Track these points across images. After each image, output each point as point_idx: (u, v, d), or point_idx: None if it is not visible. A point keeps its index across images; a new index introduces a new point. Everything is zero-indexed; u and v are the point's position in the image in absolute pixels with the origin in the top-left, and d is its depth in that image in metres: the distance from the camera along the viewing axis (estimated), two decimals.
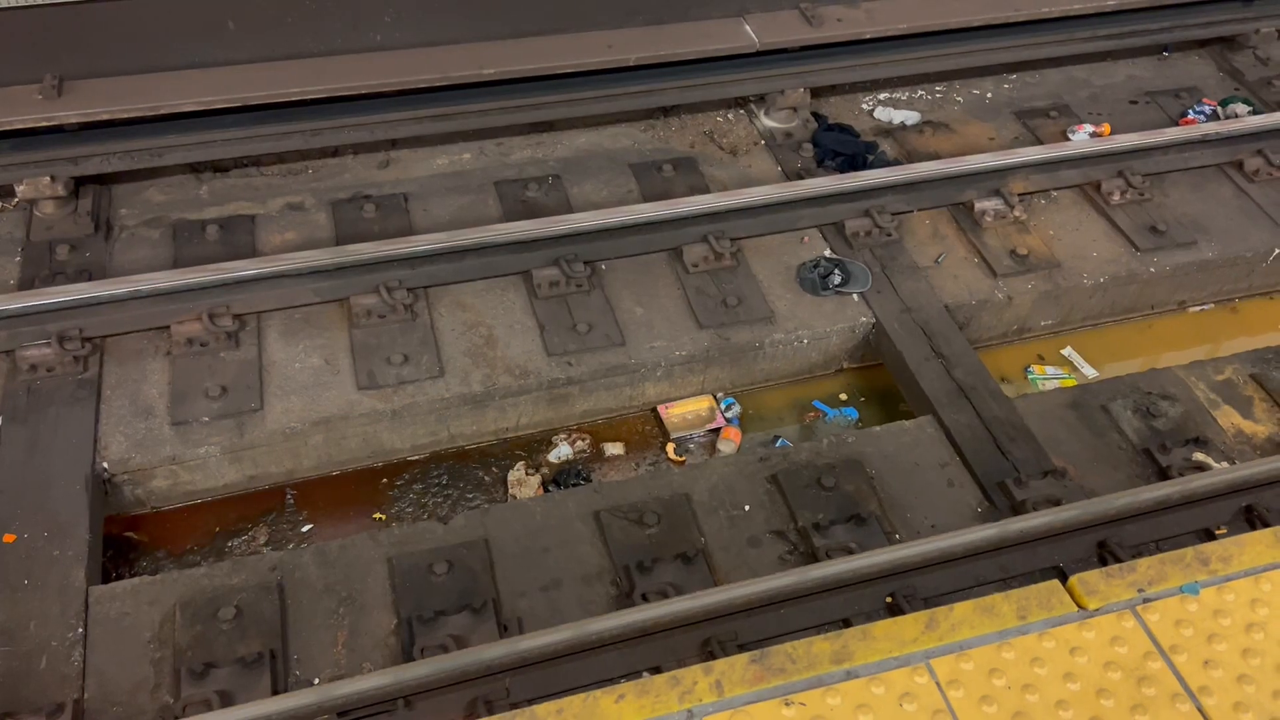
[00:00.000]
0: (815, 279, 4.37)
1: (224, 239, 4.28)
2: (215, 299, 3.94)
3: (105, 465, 3.52)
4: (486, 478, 3.98)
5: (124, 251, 4.22)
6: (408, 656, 3.06)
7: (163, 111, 4.23)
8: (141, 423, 3.63)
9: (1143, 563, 2.70)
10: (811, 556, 3.43)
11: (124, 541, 3.62)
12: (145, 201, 4.46)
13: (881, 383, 4.39)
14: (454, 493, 3.92)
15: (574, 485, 3.87)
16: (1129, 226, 4.73)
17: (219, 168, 4.62)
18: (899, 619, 2.60)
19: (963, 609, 2.61)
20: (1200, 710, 2.42)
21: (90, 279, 4.01)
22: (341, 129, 4.53)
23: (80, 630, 3.08)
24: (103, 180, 4.43)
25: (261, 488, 3.83)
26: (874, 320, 4.30)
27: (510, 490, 3.91)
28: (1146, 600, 2.64)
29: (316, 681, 3.02)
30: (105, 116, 4.19)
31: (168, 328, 3.86)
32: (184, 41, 4.28)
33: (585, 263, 4.28)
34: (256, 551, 3.62)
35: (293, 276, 4.04)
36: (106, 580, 3.38)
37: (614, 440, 4.14)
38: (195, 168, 4.58)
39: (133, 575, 3.48)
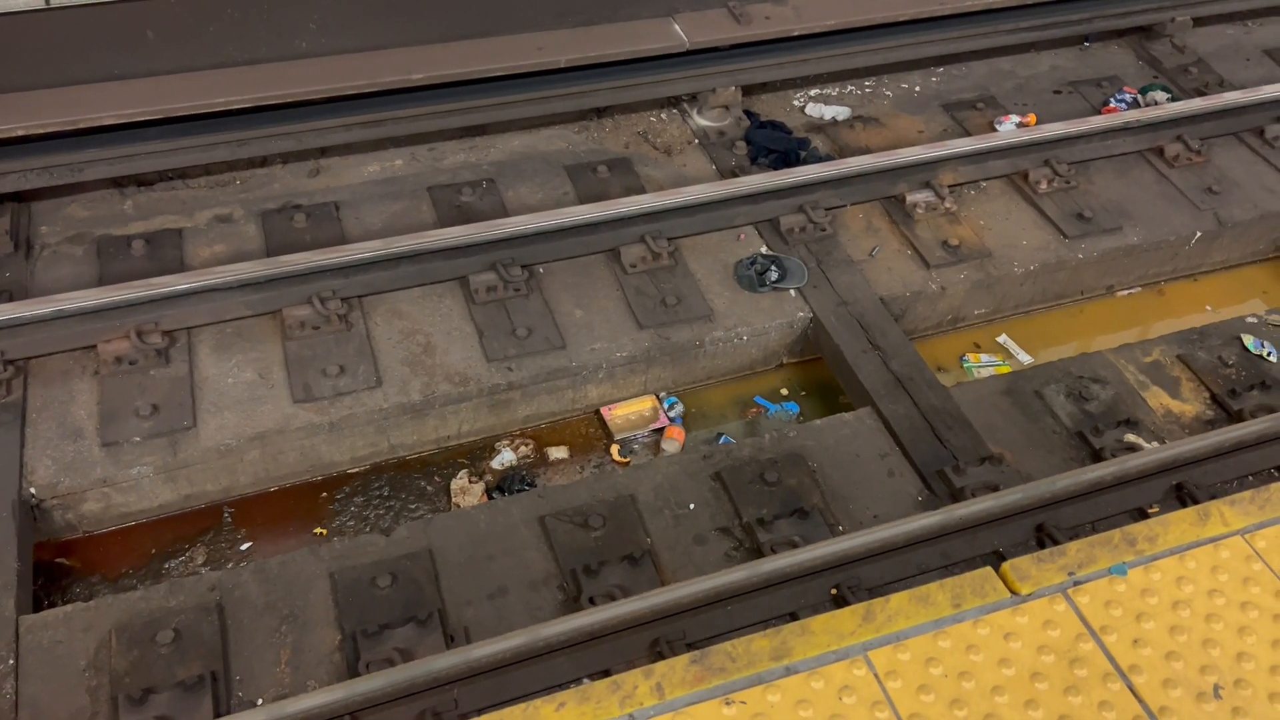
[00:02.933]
0: (753, 276, 4.38)
1: (151, 254, 4.22)
2: (143, 315, 3.88)
3: (33, 491, 3.45)
4: (429, 487, 3.95)
5: (46, 270, 4.13)
6: (353, 672, 3.02)
7: (82, 125, 4.15)
8: (70, 445, 3.57)
9: (1072, 546, 2.73)
10: (757, 552, 3.43)
11: (56, 568, 3.55)
12: (67, 218, 4.37)
13: (821, 376, 4.42)
14: (396, 504, 3.89)
15: (518, 491, 3.83)
16: (1057, 214, 4.79)
17: (143, 181, 4.54)
18: (836, 613, 2.61)
19: (899, 599, 2.62)
20: (1131, 689, 2.44)
21: (11, 299, 3.92)
22: (269, 138, 4.48)
23: (11, 661, 3.01)
24: (21, 197, 4.33)
25: (198, 507, 3.77)
26: (811, 315, 4.33)
27: (454, 499, 3.88)
28: (1077, 583, 2.66)
29: (260, 702, 2.99)
30: (21, 132, 4.11)
31: (94, 347, 3.80)
32: (102, 52, 4.19)
33: (523, 266, 4.27)
34: (194, 572, 3.55)
35: (223, 290, 3.99)
36: (38, 608, 3.30)
37: (558, 444, 4.13)
38: (118, 182, 4.49)
39: (66, 602, 3.41)
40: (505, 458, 4.05)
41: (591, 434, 4.19)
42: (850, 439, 3.85)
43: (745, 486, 3.63)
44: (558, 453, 4.10)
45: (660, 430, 4.20)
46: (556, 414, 4.20)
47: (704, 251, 4.52)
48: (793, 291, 4.39)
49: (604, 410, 4.23)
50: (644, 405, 4.26)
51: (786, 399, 4.40)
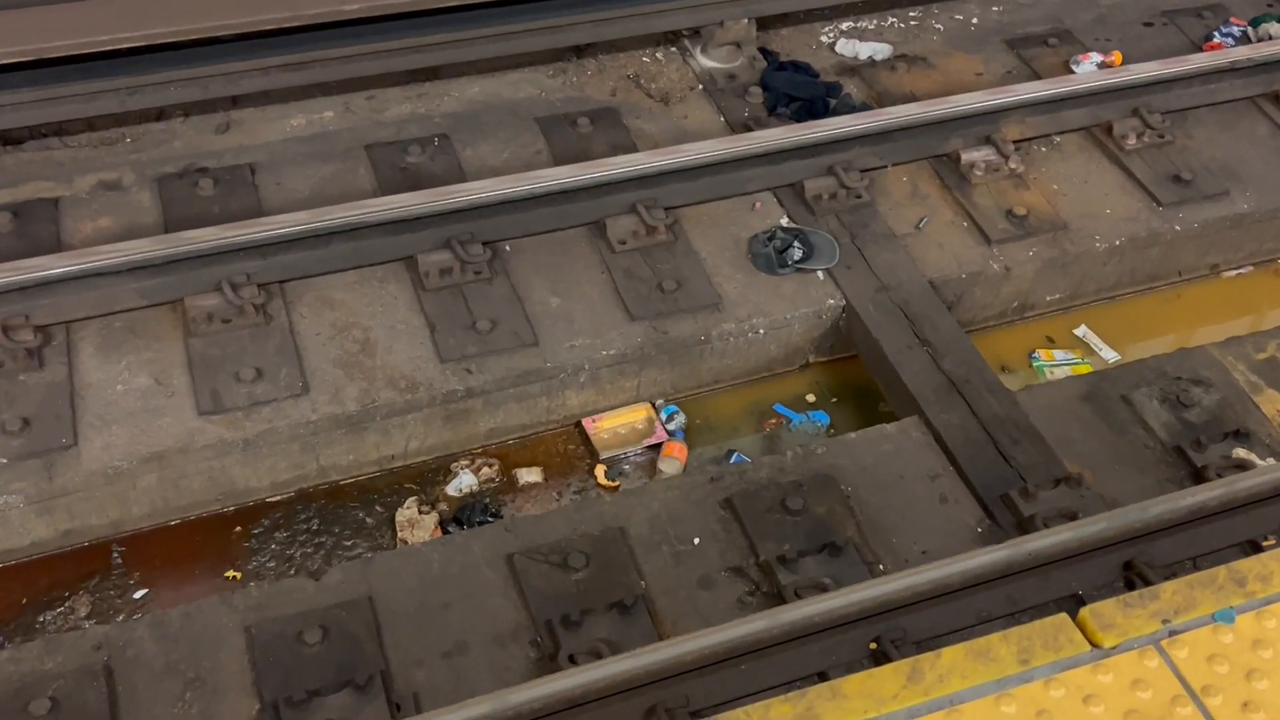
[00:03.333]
0: (771, 254, 4.41)
1: (19, 230, 4.21)
2: (10, 307, 3.87)
3: None
4: (369, 519, 3.97)
5: None
6: None
7: None
8: None
9: (1168, 587, 2.72)
10: (777, 597, 3.44)
11: None
12: None
13: (856, 379, 4.45)
14: (328, 540, 3.91)
15: (480, 523, 3.85)
16: (1148, 177, 4.82)
17: (9, 139, 4.52)
18: (876, 671, 2.59)
19: (953, 654, 2.60)
20: None
21: None
22: (167, 85, 4.49)
23: None
24: None
25: (80, 545, 3.76)
26: (844, 302, 4.35)
27: (400, 534, 3.90)
28: (1173, 633, 2.65)
29: None
30: None
31: None
32: None
33: (484, 244, 4.28)
34: (76, 626, 3.55)
35: (110, 275, 3.98)
36: None
37: (529, 465, 4.16)
38: None
39: None
40: (464, 482, 4.08)
41: (571, 452, 4.22)
42: (893, 456, 3.87)
43: (763, 516, 3.64)
44: (529, 475, 4.13)
45: (657, 447, 4.22)
46: (527, 427, 4.22)
47: (710, 224, 4.55)
48: (820, 273, 4.42)
49: (586, 423, 4.25)
50: (636, 416, 4.29)
51: (814, 407, 4.43)
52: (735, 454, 4.21)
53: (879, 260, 4.46)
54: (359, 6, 4.53)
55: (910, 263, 4.47)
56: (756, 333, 4.31)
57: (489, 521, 3.88)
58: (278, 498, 3.98)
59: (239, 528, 3.89)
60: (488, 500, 4.01)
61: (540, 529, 3.58)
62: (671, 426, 4.29)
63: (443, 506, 4.00)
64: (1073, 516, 3.60)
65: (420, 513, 3.94)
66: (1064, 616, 2.74)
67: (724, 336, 4.27)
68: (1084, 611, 2.75)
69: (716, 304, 4.30)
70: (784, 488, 3.72)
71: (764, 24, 5.26)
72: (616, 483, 4.12)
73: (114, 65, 4.36)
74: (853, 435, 3.98)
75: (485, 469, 4.13)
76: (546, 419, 4.23)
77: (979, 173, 4.76)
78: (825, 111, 4.92)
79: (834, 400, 4.45)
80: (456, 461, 4.14)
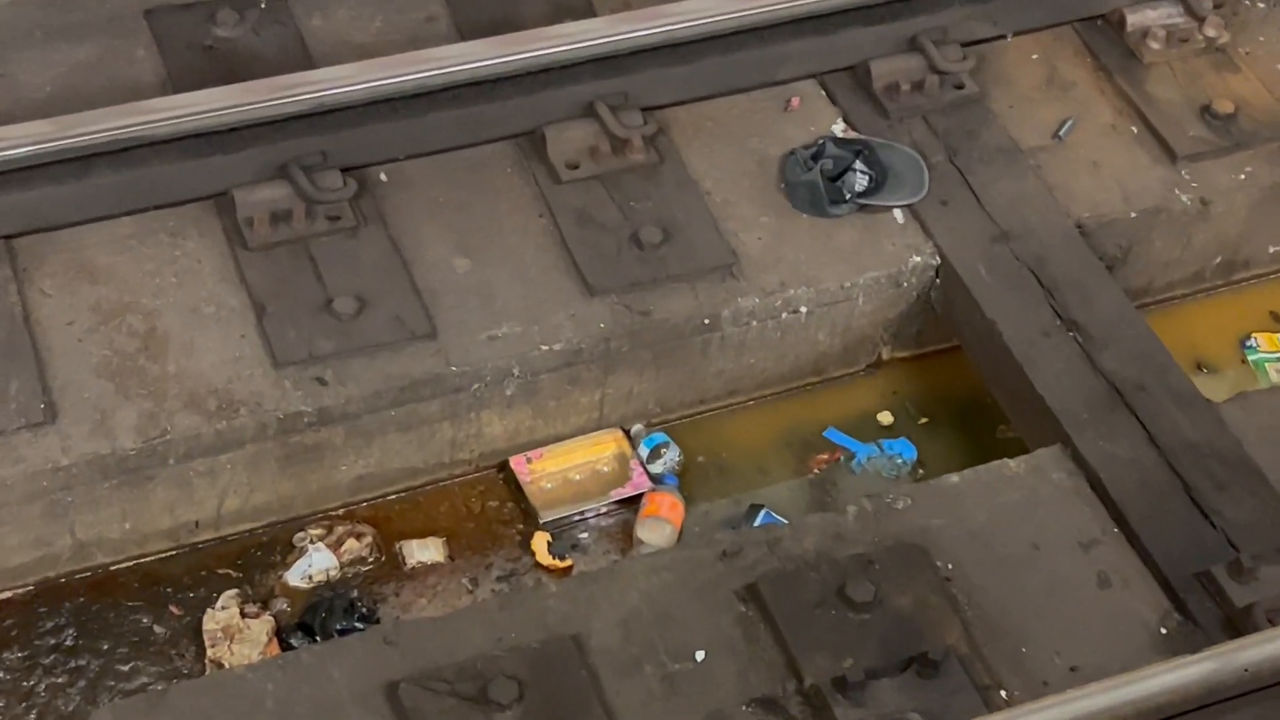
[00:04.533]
0: (818, 184, 4.41)
1: None
2: None
3: None
4: (159, 628, 3.96)
5: None
6: None
7: None
8: None
9: None
10: None
11: None
12: None
13: (958, 386, 4.51)
14: (91, 663, 3.87)
15: (344, 632, 3.89)
16: None
17: None
18: None
19: None
20: None
21: None
22: None
23: None
24: None
25: None
26: (937, 260, 4.38)
27: (211, 651, 3.88)
28: None
29: None
30: None
31: None
32: None
33: (345, 171, 4.31)
34: None
35: None
36: None
37: (422, 534, 4.18)
38: None
39: None
40: (316, 563, 4.10)
41: (493, 512, 4.26)
42: (1021, 512, 3.89)
43: (809, 613, 3.61)
44: (423, 552, 4.15)
45: (634, 501, 4.26)
46: (420, 473, 4.28)
47: (716, 135, 4.56)
48: (899, 213, 4.44)
49: (516, 463, 4.30)
50: (599, 452, 4.34)
51: (890, 434, 4.45)
52: (763, 511, 4.24)
53: (994, 191, 4.47)
54: None
55: (1045, 194, 4.48)
56: (794, 312, 4.34)
57: (358, 628, 3.89)
58: (5, 594, 3.96)
59: None
60: (356, 594, 4.03)
61: (442, 641, 3.55)
62: (658, 467, 4.32)
63: (282, 605, 4.02)
64: None
65: (245, 616, 3.94)
66: None
67: (742, 319, 4.30)
68: None
69: (729, 266, 4.33)
70: (842, 566, 3.69)
71: None
72: (567, 561, 4.14)
73: None
74: (954, 479, 3.99)
75: (351, 542, 4.14)
76: (451, 458, 4.27)
77: (1156, 44, 4.78)
78: None
79: (922, 421, 4.49)
80: (303, 531, 4.16)
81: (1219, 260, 4.74)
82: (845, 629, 3.60)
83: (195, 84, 4.48)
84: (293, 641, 3.91)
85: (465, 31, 4.72)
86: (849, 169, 4.43)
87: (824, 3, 4.70)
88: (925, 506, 3.89)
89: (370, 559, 4.14)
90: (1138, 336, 4.23)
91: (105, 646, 3.91)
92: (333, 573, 4.08)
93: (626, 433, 4.38)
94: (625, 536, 4.21)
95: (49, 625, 3.93)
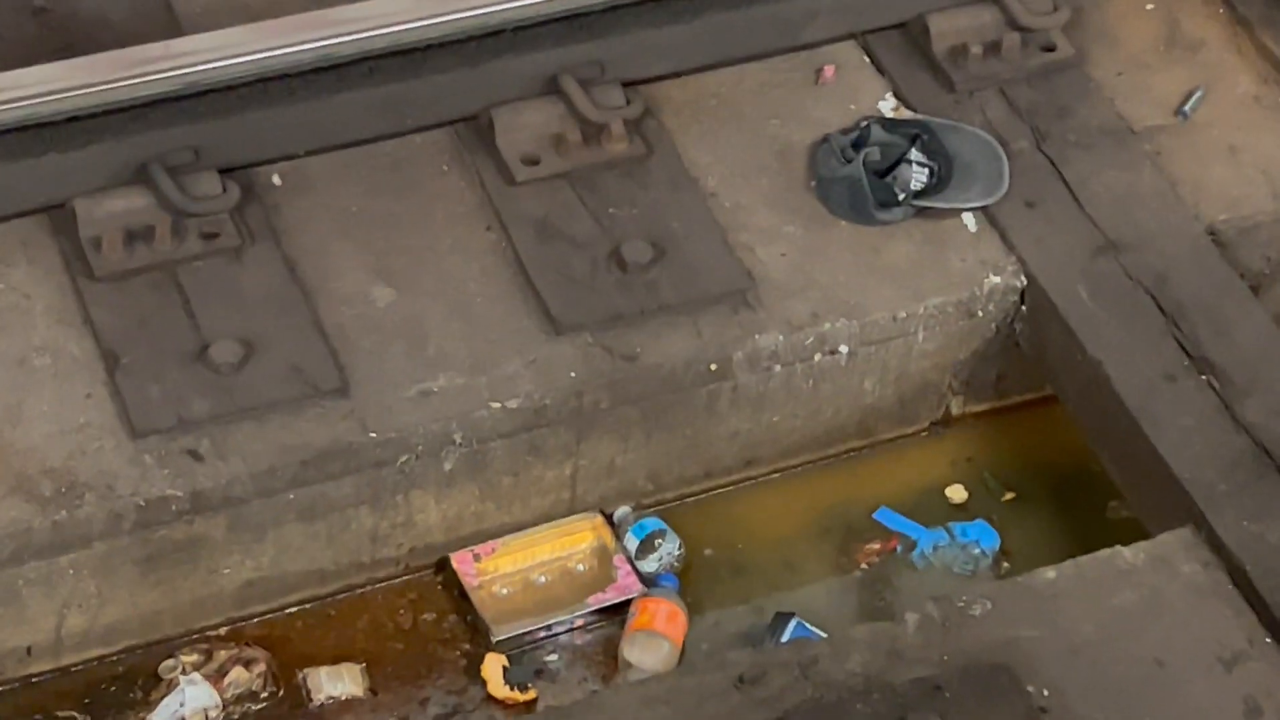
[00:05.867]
0: (860, 180, 4.37)
1: None
2: None
3: None
4: None
5: None
6: None
7: None
8: None
9: None
10: None
11: None
12: None
13: (1053, 450, 4.52)
14: None
15: None
16: None
17: None
18: None
19: None
20: None
21: None
22: None
23: None
24: None
25: None
26: (1022, 281, 4.35)
27: None
28: None
29: None
30: None
31: None
32: None
33: (224, 172, 4.28)
34: None
35: None
36: None
37: (334, 659, 4.10)
38: None
39: None
40: (191, 701, 3.97)
41: (428, 628, 4.20)
42: (1140, 617, 3.82)
43: None
44: (335, 684, 4.06)
45: (618, 610, 4.18)
46: (330, 576, 4.20)
47: (723, 117, 4.58)
48: (969, 218, 4.42)
49: (461, 562, 4.23)
50: (571, 543, 4.29)
51: (962, 514, 4.42)
52: (793, 621, 4.13)
53: (1097, 188, 4.46)
54: None
55: (1167, 191, 4.47)
56: (832, 353, 4.29)
57: None
58: None
59: None
60: None
61: None
62: (651, 564, 4.25)
63: None
64: None
65: None
66: None
67: (761, 364, 4.23)
68: None
69: (743, 293, 4.27)
70: (901, 695, 3.59)
71: None
72: (530, 693, 4.05)
73: None
74: (1050, 574, 3.89)
75: (238, 671, 4.02)
76: (372, 557, 4.19)
77: None
78: None
79: (1007, 498, 4.46)
80: (173, 658, 4.06)
81: None
82: None
83: (21, 59, 4.39)
84: None
85: None
86: (902, 160, 4.40)
87: None
88: (1012, 612, 3.80)
89: (264, 694, 4.02)
90: None
91: None
92: (213, 713, 3.97)
93: (608, 518, 4.30)
94: (609, 658, 4.13)
95: None
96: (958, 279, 4.34)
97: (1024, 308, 4.38)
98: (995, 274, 4.35)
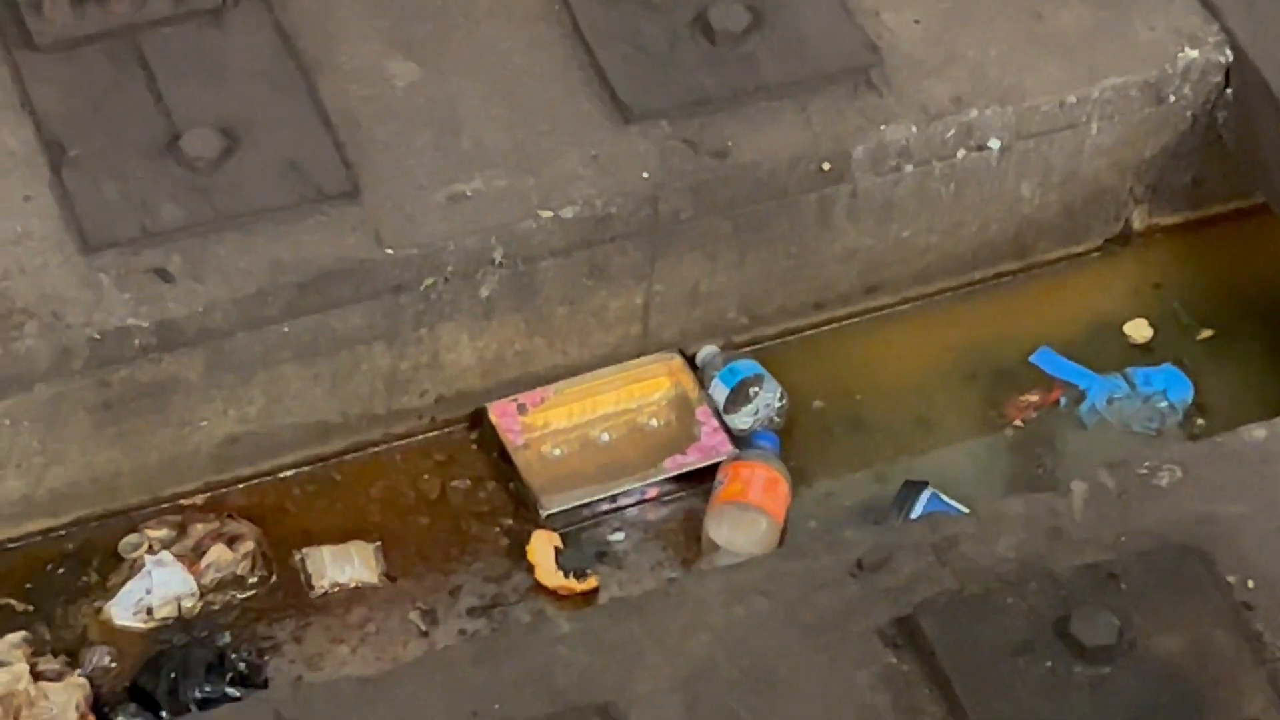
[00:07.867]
0: None
1: None
2: None
3: None
4: None
5: None
6: None
7: None
8: None
9: None
10: None
11: None
12: None
13: (1264, 274, 4.34)
14: None
15: (206, 703, 3.68)
16: None
17: None
18: None
19: None
20: None
21: None
22: None
23: None
24: None
25: None
26: (1227, 55, 4.10)
27: None
28: None
29: None
30: None
31: None
32: None
33: None
34: None
35: None
36: None
37: (340, 536, 3.93)
38: None
39: None
40: (159, 587, 3.82)
41: (460, 497, 4.02)
42: None
43: (1006, 670, 3.33)
44: (341, 567, 3.90)
45: (702, 476, 3.95)
46: (333, 431, 4.03)
47: None
48: None
49: (502, 415, 4.04)
50: (642, 391, 4.11)
51: (1147, 356, 4.22)
52: (926, 492, 3.94)
53: None
54: None
55: None
56: (980, 149, 4.03)
57: (231, 697, 3.71)
58: None
59: None
60: (227, 638, 3.83)
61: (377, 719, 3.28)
62: (745, 419, 4.02)
63: (101, 657, 3.77)
64: None
65: (39, 677, 3.70)
66: None
67: (888, 162, 4.00)
68: None
69: (865, 70, 4.03)
70: (1064, 586, 3.39)
71: None
72: (590, 581, 3.86)
73: None
74: (1258, 432, 3.68)
75: (219, 550, 3.86)
76: (388, 407, 4.02)
77: None
78: None
79: (1203, 335, 4.21)
80: (138, 533, 3.89)
81: None
82: (1069, 695, 3.29)
83: None
84: (120, 719, 3.70)
85: None
86: None
87: None
88: (1208, 482, 3.55)
89: (251, 579, 3.86)
90: None
91: None
92: (188, 602, 3.80)
93: (689, 360, 4.07)
94: (690, 538, 3.90)
95: None
96: (1144, 53, 4.07)
97: (1229, 91, 4.10)
98: (1193, 47, 4.08)
